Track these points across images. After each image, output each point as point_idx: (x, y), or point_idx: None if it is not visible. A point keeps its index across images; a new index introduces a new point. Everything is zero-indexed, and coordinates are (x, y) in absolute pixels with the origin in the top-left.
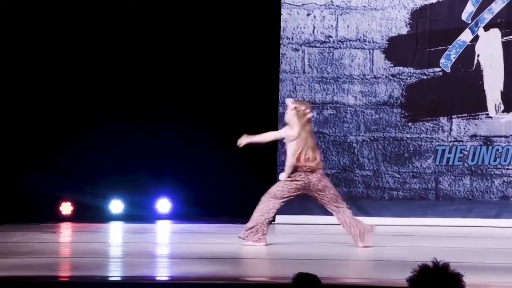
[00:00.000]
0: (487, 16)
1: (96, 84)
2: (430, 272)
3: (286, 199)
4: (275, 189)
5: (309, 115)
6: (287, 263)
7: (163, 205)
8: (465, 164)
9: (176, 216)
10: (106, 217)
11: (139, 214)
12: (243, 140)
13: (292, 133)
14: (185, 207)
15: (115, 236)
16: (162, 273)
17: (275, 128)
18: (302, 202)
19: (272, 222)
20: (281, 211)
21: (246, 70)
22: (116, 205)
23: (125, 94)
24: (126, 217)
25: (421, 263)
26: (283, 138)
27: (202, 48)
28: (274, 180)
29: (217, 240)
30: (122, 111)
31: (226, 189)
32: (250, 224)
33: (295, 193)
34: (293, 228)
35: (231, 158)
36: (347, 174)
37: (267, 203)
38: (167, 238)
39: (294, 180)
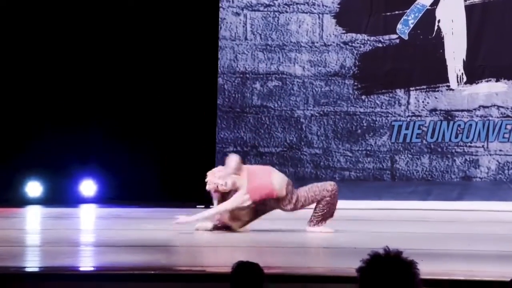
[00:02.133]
0: None
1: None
2: (381, 261)
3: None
4: None
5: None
6: (228, 251)
7: (87, 187)
8: (424, 142)
9: (102, 199)
10: (22, 201)
11: (60, 197)
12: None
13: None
14: (112, 189)
15: (33, 222)
16: (87, 263)
17: (213, 99)
18: None
19: (210, 206)
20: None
21: (182, 36)
22: (33, 188)
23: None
24: (45, 201)
25: (371, 252)
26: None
27: (134, 11)
28: (209, 161)
29: (148, 226)
30: (46, 88)
31: (157, 170)
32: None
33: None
34: None
35: (163, 137)
36: (294, 152)
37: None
38: (91, 224)
39: None
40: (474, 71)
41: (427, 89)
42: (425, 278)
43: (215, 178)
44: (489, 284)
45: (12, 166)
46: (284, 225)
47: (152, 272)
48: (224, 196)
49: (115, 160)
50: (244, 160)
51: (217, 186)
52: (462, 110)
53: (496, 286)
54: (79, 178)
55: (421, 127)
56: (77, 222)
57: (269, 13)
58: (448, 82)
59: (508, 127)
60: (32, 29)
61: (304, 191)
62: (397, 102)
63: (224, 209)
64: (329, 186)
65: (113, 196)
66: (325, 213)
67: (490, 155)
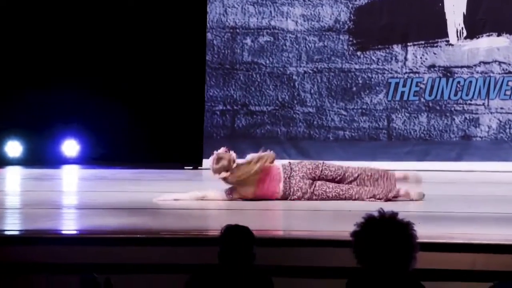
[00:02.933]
0: None
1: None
2: (376, 224)
3: None
4: None
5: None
6: (217, 215)
7: (70, 147)
8: (422, 99)
9: (85, 160)
10: (0, 161)
11: (41, 157)
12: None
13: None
14: (96, 150)
15: (12, 184)
16: (69, 226)
17: (202, 55)
18: (235, 144)
19: (199, 167)
20: (210, 154)
21: None
22: (13, 147)
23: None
24: (26, 161)
25: (365, 215)
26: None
27: None
28: (198, 120)
29: (134, 188)
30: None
31: (143, 130)
32: None
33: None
34: None
35: (150, 95)
36: (286, 111)
37: None
38: (74, 186)
39: None
40: (475, 25)
41: (425, 45)
42: (422, 241)
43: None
44: (490, 247)
45: None
46: None
47: (139, 235)
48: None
49: (100, 119)
50: (234, 119)
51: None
52: (462, 66)
53: (497, 249)
54: (61, 137)
55: (419, 84)
56: (59, 183)
57: None
58: (448, 37)
59: (510, 83)
60: None
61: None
62: (394, 58)
63: (209, 197)
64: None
65: (97, 156)
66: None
67: (491, 113)
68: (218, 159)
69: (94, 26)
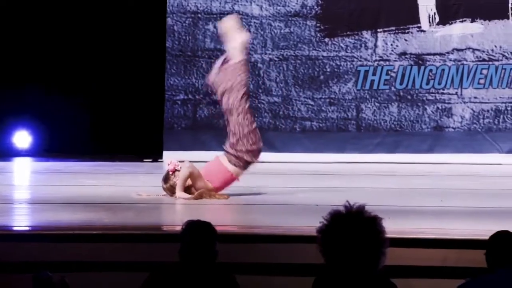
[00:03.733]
0: None
1: None
2: (343, 219)
3: None
4: None
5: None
6: (176, 209)
7: (22, 139)
8: (392, 88)
9: (38, 152)
10: None
11: None
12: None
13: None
14: (49, 141)
15: None
16: (21, 221)
17: (162, 42)
18: (196, 135)
19: (159, 160)
20: (170, 146)
21: None
22: None
23: None
24: None
25: (332, 210)
26: None
27: None
28: (158, 110)
29: (89, 182)
30: None
31: (100, 121)
32: None
33: None
34: None
35: (107, 84)
36: (251, 100)
37: None
38: (26, 179)
39: None
40: (448, 11)
41: (396, 31)
42: (392, 237)
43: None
44: (462, 243)
45: None
46: (240, 183)
47: (94, 232)
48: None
49: (53, 110)
50: (196, 109)
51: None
52: (434, 54)
53: (469, 245)
54: (13, 129)
55: (389, 72)
56: (10, 177)
57: None
58: (419, 23)
59: (484, 72)
60: None
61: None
62: (363, 45)
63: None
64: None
65: (50, 148)
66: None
67: (464, 103)
68: (166, 179)
69: (49, 13)
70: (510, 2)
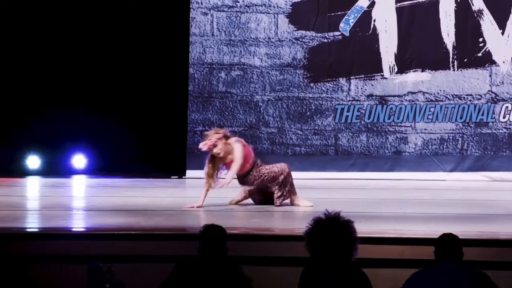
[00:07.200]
0: None
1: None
2: (324, 223)
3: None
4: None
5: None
6: (199, 216)
7: (79, 160)
8: (362, 122)
9: (91, 171)
10: (23, 172)
11: (55, 169)
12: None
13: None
14: (100, 162)
15: (32, 190)
16: (78, 224)
17: (185, 86)
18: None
19: (183, 177)
20: (192, 166)
21: (158, 34)
22: (33, 161)
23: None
24: (43, 172)
25: (314, 217)
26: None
27: (114, 14)
28: (182, 138)
29: (130, 194)
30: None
31: (138, 146)
32: None
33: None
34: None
35: (144, 119)
36: (253, 131)
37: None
38: (82, 192)
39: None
40: (404, 63)
41: (365, 78)
42: (362, 236)
43: (216, 140)
44: (416, 241)
45: (15, 142)
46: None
47: (133, 232)
48: (215, 160)
49: (103, 137)
50: None
51: (214, 146)
52: (394, 96)
53: (422, 242)
54: (72, 152)
55: (360, 109)
56: (69, 190)
57: (232, 13)
58: (382, 72)
59: (432, 109)
60: (30, 17)
61: (265, 168)
62: (340, 88)
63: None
64: (285, 166)
65: (101, 168)
66: (290, 191)
67: (417, 133)
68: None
69: (101, 59)
70: (451, 57)
